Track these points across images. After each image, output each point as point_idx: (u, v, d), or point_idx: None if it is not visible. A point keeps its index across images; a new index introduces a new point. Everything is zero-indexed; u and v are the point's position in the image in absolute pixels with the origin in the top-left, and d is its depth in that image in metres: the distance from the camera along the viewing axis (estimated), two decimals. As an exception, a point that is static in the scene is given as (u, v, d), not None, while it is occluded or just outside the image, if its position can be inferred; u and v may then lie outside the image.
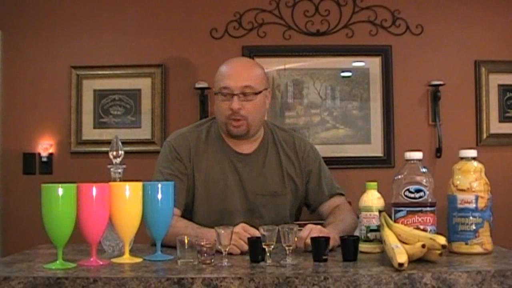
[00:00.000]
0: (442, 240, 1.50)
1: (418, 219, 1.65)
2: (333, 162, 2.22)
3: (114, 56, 3.80)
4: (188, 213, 2.07)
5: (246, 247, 1.67)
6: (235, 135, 2.03)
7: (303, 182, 2.12)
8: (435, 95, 3.75)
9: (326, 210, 2.12)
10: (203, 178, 2.04)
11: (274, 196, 2.07)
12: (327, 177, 2.16)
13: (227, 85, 1.99)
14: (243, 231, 1.71)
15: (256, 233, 1.68)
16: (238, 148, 2.08)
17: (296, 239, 1.60)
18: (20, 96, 3.79)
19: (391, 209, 1.69)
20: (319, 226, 1.79)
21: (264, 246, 1.55)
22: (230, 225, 1.73)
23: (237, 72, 2.02)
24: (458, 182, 1.69)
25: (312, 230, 1.73)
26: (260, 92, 2.02)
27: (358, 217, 1.78)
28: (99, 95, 3.80)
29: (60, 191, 1.51)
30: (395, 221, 1.65)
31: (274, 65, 3.74)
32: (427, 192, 1.66)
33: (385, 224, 1.61)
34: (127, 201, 1.61)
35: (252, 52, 3.73)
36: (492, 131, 3.80)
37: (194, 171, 2.04)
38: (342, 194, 2.16)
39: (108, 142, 1.83)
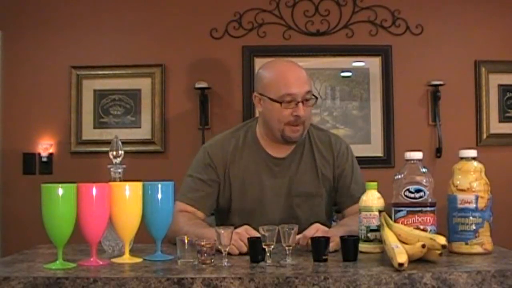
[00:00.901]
0: (442, 240, 1.50)
1: (418, 219, 1.65)
2: (333, 162, 2.24)
3: (114, 56, 3.80)
4: (224, 217, 2.11)
5: (244, 249, 1.68)
6: (293, 140, 2.05)
7: (335, 182, 2.13)
8: (435, 95, 3.75)
9: (348, 213, 2.09)
10: (240, 183, 2.08)
11: (309, 197, 2.09)
12: (358, 180, 2.12)
13: (292, 92, 1.97)
14: (245, 233, 1.71)
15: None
16: (273, 152, 2.10)
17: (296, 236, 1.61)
18: (20, 96, 3.79)
19: (391, 209, 1.69)
20: (326, 228, 1.80)
21: (264, 246, 1.55)
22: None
23: (299, 78, 2.01)
24: (458, 182, 1.69)
25: (318, 231, 1.74)
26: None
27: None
28: (99, 95, 3.80)
29: (60, 191, 1.51)
30: (395, 221, 1.65)
31: (274, 65, 3.73)
32: (427, 192, 1.66)
33: (385, 224, 1.61)
34: (127, 201, 1.61)
35: (252, 52, 3.74)
36: (492, 131, 3.80)
37: (230, 177, 2.08)
38: None
39: (108, 142, 1.83)
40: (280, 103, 1.98)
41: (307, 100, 2.00)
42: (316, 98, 2.05)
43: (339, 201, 2.15)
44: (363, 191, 2.05)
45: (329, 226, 2.04)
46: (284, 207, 2.07)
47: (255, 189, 2.07)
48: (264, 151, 2.11)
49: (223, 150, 2.09)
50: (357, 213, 1.97)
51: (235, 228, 1.70)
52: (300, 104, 1.98)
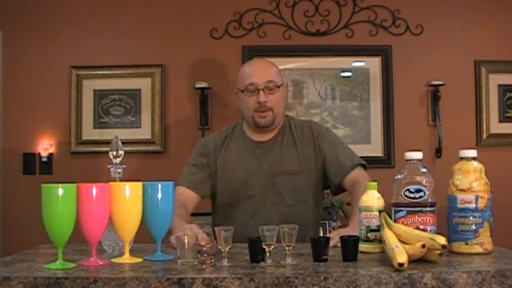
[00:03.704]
0: (442, 240, 1.50)
1: (418, 219, 1.65)
2: (333, 162, 2.26)
3: (114, 56, 3.80)
4: (215, 198, 2.31)
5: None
6: (262, 125, 2.25)
7: (319, 161, 2.25)
8: (435, 95, 3.75)
9: (348, 185, 2.20)
10: (225, 166, 2.28)
11: (290, 175, 2.23)
12: (345, 152, 2.27)
13: (252, 82, 2.21)
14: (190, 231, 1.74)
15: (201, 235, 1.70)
16: (256, 138, 2.30)
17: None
18: (20, 96, 3.79)
19: (391, 209, 1.69)
20: (343, 230, 1.89)
21: (264, 246, 1.55)
22: (253, 206, 2.17)
23: (259, 70, 2.26)
24: (458, 182, 1.69)
25: (339, 234, 1.75)
26: (281, 85, 2.25)
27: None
28: (99, 95, 3.80)
29: (60, 191, 1.51)
30: (395, 221, 1.65)
31: (274, 65, 3.73)
32: (427, 192, 1.66)
33: (385, 224, 1.61)
34: (127, 201, 1.61)
35: (252, 52, 3.73)
36: (492, 131, 3.80)
37: (217, 162, 2.29)
38: (364, 165, 2.26)
39: (108, 142, 1.83)
40: (243, 91, 2.23)
41: (270, 88, 2.20)
42: (279, 86, 2.22)
43: (334, 176, 2.23)
44: (354, 160, 2.23)
45: (316, 205, 2.27)
46: (267, 185, 2.22)
47: (239, 171, 2.25)
48: (248, 137, 2.32)
49: (215, 140, 2.34)
50: (356, 183, 2.13)
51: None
52: (261, 92, 2.19)
